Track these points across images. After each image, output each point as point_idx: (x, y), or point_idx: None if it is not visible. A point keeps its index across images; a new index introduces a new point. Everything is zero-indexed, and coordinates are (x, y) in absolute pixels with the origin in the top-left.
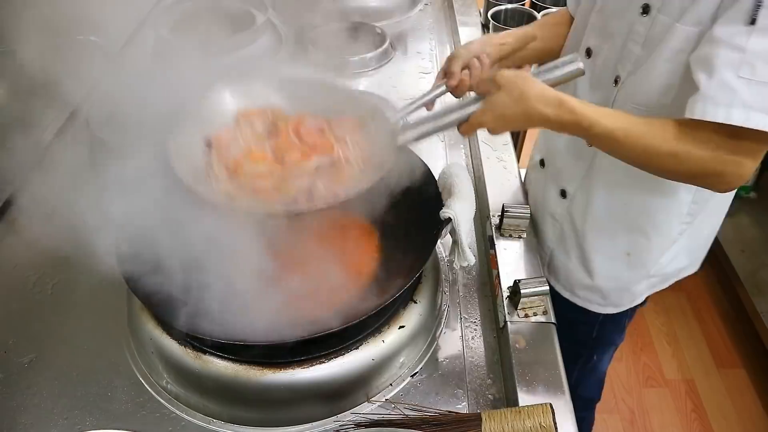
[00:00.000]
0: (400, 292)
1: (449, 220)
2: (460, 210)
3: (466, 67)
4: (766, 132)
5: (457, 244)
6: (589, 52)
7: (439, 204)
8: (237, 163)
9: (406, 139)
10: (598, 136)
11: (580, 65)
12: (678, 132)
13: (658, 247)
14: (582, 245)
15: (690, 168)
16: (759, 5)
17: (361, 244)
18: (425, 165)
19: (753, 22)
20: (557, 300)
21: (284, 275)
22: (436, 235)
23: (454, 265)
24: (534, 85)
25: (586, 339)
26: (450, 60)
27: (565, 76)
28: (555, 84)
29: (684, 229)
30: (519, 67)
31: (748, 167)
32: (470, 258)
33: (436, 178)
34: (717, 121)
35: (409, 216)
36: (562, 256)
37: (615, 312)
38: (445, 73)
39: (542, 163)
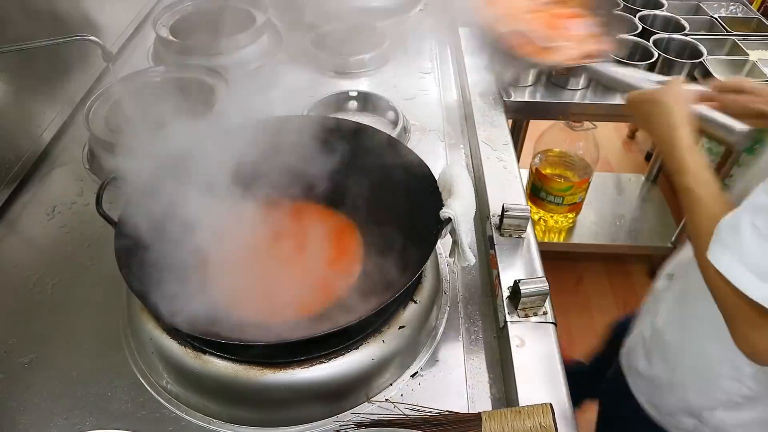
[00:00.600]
0: (399, 292)
1: (449, 220)
2: (460, 210)
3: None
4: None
5: (457, 244)
6: None
7: (439, 204)
8: None
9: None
10: (679, 184)
11: None
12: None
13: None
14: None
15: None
16: None
17: (360, 244)
18: (425, 165)
19: None
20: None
21: (282, 275)
22: (436, 235)
23: (454, 265)
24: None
25: None
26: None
27: None
28: None
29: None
30: None
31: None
32: (470, 258)
33: (436, 178)
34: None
35: (409, 216)
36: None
37: None
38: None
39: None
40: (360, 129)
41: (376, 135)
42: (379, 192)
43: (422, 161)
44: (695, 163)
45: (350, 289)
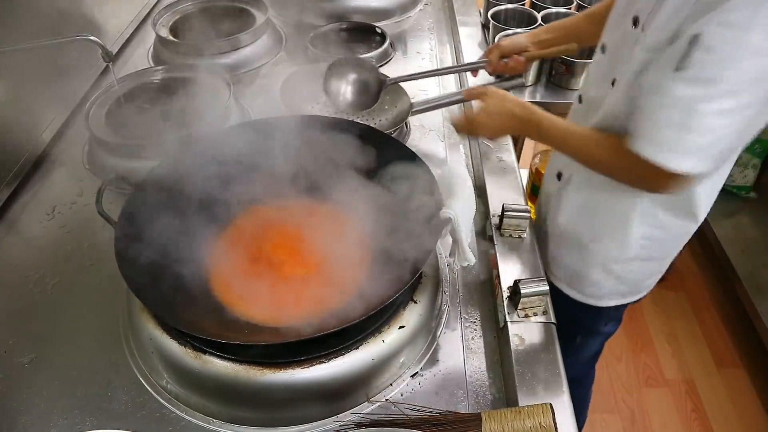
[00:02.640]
0: (399, 292)
1: (449, 220)
2: (460, 210)
3: (506, 57)
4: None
5: (457, 244)
6: (603, 48)
7: (439, 204)
8: None
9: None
10: (544, 136)
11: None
12: (607, 146)
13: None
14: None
15: (613, 175)
16: (687, 55)
17: (359, 244)
18: (425, 165)
19: (678, 69)
20: None
21: (283, 275)
22: (436, 235)
23: (454, 265)
24: (511, 96)
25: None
26: (492, 50)
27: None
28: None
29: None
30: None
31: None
32: (470, 258)
33: (436, 178)
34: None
35: (410, 216)
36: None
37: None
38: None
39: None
40: (361, 129)
41: (376, 135)
42: (379, 192)
43: (422, 161)
44: (546, 115)
45: (350, 289)
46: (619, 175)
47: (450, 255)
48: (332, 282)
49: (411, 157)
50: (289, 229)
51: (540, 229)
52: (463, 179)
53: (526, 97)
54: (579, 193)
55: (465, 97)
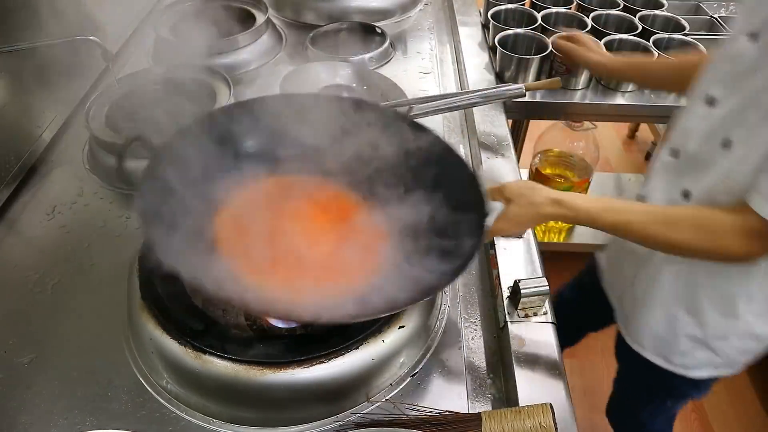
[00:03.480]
0: (448, 283)
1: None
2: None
3: (571, 40)
4: None
5: None
6: (711, 101)
7: (479, 197)
8: None
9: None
10: (604, 227)
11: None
12: (682, 222)
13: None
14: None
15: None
16: None
17: (392, 236)
18: (463, 160)
19: None
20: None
21: (307, 258)
22: (483, 227)
23: None
24: (540, 193)
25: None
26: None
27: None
28: None
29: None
30: None
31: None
32: None
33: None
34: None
35: (448, 206)
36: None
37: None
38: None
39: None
40: (394, 117)
41: (417, 127)
42: (416, 184)
43: (461, 157)
44: (594, 205)
45: (383, 280)
46: (719, 247)
47: None
48: (360, 272)
49: (446, 148)
50: (319, 215)
51: (617, 282)
52: (510, 169)
53: (525, 96)
54: (670, 259)
55: (489, 197)
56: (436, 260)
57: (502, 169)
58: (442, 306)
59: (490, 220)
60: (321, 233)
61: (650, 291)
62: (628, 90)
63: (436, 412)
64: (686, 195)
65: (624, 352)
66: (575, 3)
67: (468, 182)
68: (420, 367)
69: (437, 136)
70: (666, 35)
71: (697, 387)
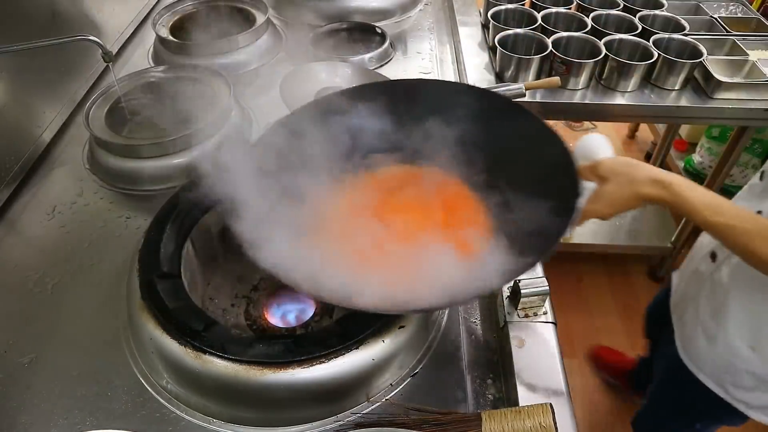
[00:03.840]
0: (536, 262)
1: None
2: None
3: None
4: None
5: None
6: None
7: (572, 176)
8: None
9: None
10: (702, 225)
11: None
12: None
13: None
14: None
15: None
16: None
17: (484, 213)
18: (556, 133)
19: None
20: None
21: (390, 245)
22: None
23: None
24: (641, 170)
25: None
26: None
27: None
28: None
29: None
30: None
31: None
32: None
33: (575, 148)
34: None
35: (537, 186)
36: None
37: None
38: None
39: None
40: (483, 94)
41: (500, 102)
42: (506, 162)
43: (552, 129)
44: (700, 198)
45: (480, 260)
46: None
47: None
48: (447, 258)
49: (538, 124)
50: (409, 200)
51: (681, 301)
52: (605, 148)
53: (525, 96)
54: (737, 286)
55: (581, 177)
56: (523, 244)
57: None
58: None
59: (581, 202)
60: (421, 220)
61: (715, 318)
62: (628, 90)
63: (436, 412)
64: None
65: (674, 369)
66: (575, 3)
67: (561, 162)
68: (420, 367)
69: (529, 112)
70: (666, 35)
71: (740, 419)
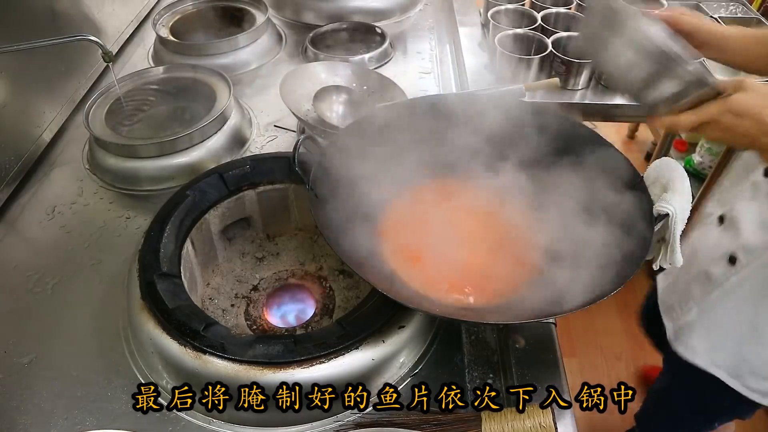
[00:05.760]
0: (611, 293)
1: (666, 215)
2: (678, 206)
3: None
4: None
5: (667, 243)
6: None
7: (644, 200)
8: None
9: None
10: None
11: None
12: None
13: None
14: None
15: None
16: None
17: (547, 235)
18: (623, 155)
19: None
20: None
21: (455, 253)
22: (651, 231)
23: (654, 266)
24: None
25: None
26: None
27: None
28: None
29: None
30: None
31: None
32: (679, 259)
33: (648, 171)
34: None
35: (606, 210)
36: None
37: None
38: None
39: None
40: (542, 111)
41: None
42: (572, 184)
43: (619, 152)
44: None
45: (538, 283)
46: None
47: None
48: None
49: (605, 146)
50: (473, 215)
51: (683, 302)
52: (680, 174)
53: (525, 96)
54: (765, 294)
55: (719, 89)
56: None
57: None
58: None
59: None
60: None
61: (728, 314)
62: None
63: (436, 412)
64: None
65: (682, 366)
66: (575, 3)
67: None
68: (420, 367)
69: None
70: None
71: (754, 408)
